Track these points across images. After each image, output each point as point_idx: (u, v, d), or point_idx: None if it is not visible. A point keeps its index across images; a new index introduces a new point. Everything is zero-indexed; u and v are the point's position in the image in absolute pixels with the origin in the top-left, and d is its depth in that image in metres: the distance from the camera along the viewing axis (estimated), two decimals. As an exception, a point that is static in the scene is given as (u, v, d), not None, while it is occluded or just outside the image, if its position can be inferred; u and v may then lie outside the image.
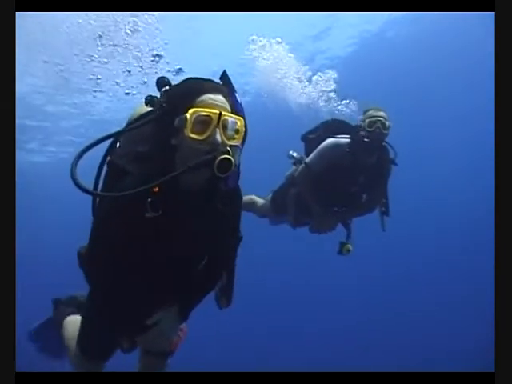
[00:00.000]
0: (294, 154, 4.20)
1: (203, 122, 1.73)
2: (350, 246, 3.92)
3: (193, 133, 1.72)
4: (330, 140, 3.83)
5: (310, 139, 4.13)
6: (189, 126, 1.71)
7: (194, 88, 1.82)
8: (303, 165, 3.93)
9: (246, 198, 4.52)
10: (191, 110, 1.72)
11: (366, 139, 3.60)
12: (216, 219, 1.98)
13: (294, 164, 4.22)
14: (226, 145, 1.76)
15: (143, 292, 1.99)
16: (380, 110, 3.70)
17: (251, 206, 4.64)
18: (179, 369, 2.20)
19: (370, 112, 3.70)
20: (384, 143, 3.69)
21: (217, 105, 1.78)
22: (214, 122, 1.73)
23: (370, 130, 3.60)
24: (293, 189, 4.17)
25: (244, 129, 1.86)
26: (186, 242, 1.97)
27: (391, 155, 3.80)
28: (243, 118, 1.87)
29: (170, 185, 1.76)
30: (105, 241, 1.89)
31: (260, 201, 4.66)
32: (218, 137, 1.74)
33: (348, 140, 3.76)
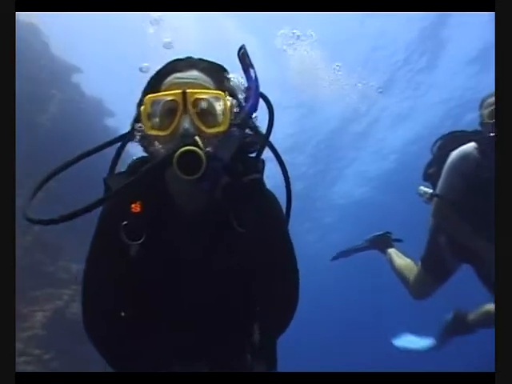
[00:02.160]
0: (426, 190, 3.39)
1: (166, 112, 1.30)
2: None
3: (152, 128, 1.30)
4: (452, 155, 3.05)
5: (433, 174, 3.34)
6: (144, 120, 1.30)
7: (163, 71, 1.40)
8: (435, 199, 3.15)
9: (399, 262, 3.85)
10: (146, 99, 1.31)
11: (491, 133, 2.80)
12: (234, 246, 1.41)
13: (428, 201, 3.40)
14: (192, 134, 1.26)
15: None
16: None
17: (404, 276, 3.73)
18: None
19: (490, 100, 2.92)
20: None
21: (185, 83, 1.31)
22: (181, 107, 1.28)
23: (490, 121, 2.85)
24: (442, 237, 3.34)
25: (232, 109, 1.35)
26: (190, 281, 1.43)
27: None
28: (225, 92, 1.34)
29: (156, 201, 1.35)
30: (92, 289, 1.46)
31: (413, 270, 3.69)
32: (186, 124, 1.26)
33: (473, 144, 3.00)
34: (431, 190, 3.33)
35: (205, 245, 1.42)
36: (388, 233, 4.36)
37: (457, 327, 4.01)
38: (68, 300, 7.01)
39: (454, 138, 3.22)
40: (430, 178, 3.36)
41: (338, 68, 10.38)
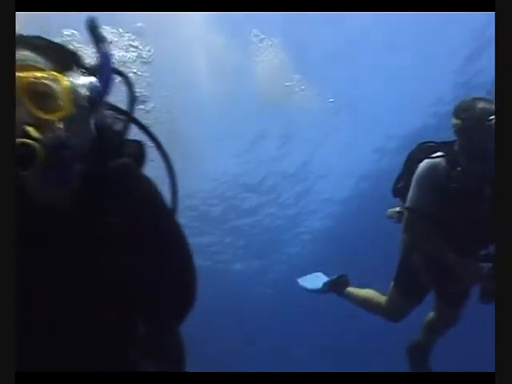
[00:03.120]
0: (397, 209, 3.29)
1: None
2: None
3: None
4: (420, 166, 2.96)
5: (402, 188, 3.20)
6: None
7: None
8: (405, 211, 3.03)
9: (364, 293, 3.73)
10: None
11: (490, 144, 2.67)
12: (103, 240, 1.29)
13: (399, 220, 3.28)
14: (23, 123, 1.16)
15: None
16: (482, 99, 2.81)
17: (372, 305, 3.63)
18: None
19: (485, 105, 2.76)
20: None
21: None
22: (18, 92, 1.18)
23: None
24: (415, 253, 3.23)
25: (74, 90, 1.21)
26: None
27: None
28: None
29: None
30: None
31: (380, 296, 3.60)
32: (20, 113, 1.17)
33: (442, 154, 2.91)
34: (398, 208, 3.23)
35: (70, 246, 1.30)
36: (342, 275, 4.18)
37: (335, 287, 4.04)
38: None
39: (422, 150, 3.15)
40: (400, 193, 3.24)
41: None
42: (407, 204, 3.04)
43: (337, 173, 15.35)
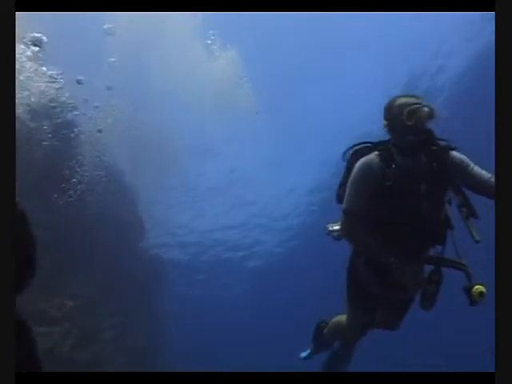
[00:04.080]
0: (336, 227, 3.09)
1: None
2: (479, 286, 2.57)
3: None
4: (355, 166, 2.81)
5: (343, 194, 2.98)
6: None
7: None
8: (342, 214, 2.84)
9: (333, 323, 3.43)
10: None
11: (410, 137, 2.62)
12: None
13: (339, 237, 3.10)
14: None
15: None
16: (413, 96, 2.74)
17: (341, 328, 3.31)
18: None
19: (403, 100, 2.71)
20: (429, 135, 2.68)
21: None
22: None
23: (409, 123, 2.62)
24: (360, 261, 3.01)
25: None
26: None
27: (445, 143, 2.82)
28: None
29: None
30: None
31: (343, 316, 3.30)
32: None
33: (376, 153, 2.80)
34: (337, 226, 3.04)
35: None
36: (322, 322, 3.70)
37: (316, 341, 3.64)
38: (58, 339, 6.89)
39: (358, 151, 2.96)
40: (343, 199, 2.97)
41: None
42: (343, 206, 2.85)
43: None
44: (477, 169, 2.73)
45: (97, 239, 8.86)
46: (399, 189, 2.69)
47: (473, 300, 2.54)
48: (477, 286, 2.55)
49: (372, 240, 2.77)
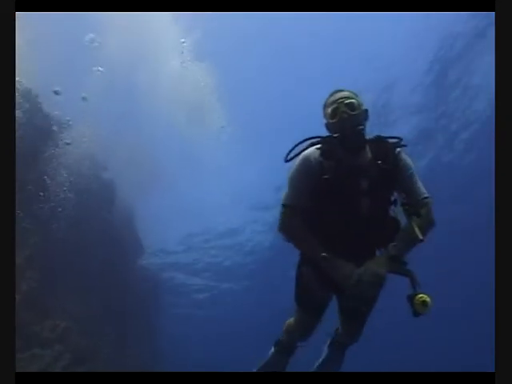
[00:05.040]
0: None
1: None
2: (423, 295, 2.32)
3: None
4: (296, 162, 2.71)
5: None
6: None
7: None
8: (280, 208, 2.73)
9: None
10: None
11: (335, 135, 2.57)
12: None
13: None
14: None
15: None
16: (341, 91, 2.67)
17: (291, 329, 3.16)
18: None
19: (329, 99, 2.67)
20: (361, 127, 2.59)
21: None
22: None
23: (333, 120, 2.57)
24: (304, 264, 2.90)
25: None
26: None
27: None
28: None
29: None
30: None
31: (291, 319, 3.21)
32: None
33: (315, 147, 2.72)
34: None
35: None
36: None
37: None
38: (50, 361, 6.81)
39: (298, 148, 2.80)
40: None
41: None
42: (282, 201, 2.73)
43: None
44: (416, 182, 2.62)
45: (93, 257, 8.89)
46: (338, 184, 2.59)
47: (415, 310, 2.30)
48: (420, 295, 2.30)
49: (306, 235, 2.64)
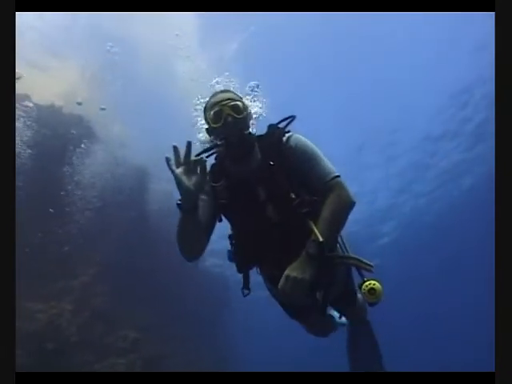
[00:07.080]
0: None
1: None
2: (371, 281, 2.15)
3: None
4: None
5: None
6: None
7: None
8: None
9: None
10: None
11: (219, 141, 2.26)
12: None
13: None
14: None
15: None
16: (224, 91, 2.37)
17: None
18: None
19: (210, 101, 2.34)
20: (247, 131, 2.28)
21: None
22: None
23: (217, 125, 2.26)
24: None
25: None
26: None
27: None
28: None
29: None
30: None
31: None
32: None
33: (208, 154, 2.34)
34: None
35: None
36: None
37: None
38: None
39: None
40: None
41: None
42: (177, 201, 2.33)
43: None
44: (316, 165, 2.27)
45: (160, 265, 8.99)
46: (236, 205, 2.34)
47: (366, 299, 2.12)
48: (367, 283, 2.12)
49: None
